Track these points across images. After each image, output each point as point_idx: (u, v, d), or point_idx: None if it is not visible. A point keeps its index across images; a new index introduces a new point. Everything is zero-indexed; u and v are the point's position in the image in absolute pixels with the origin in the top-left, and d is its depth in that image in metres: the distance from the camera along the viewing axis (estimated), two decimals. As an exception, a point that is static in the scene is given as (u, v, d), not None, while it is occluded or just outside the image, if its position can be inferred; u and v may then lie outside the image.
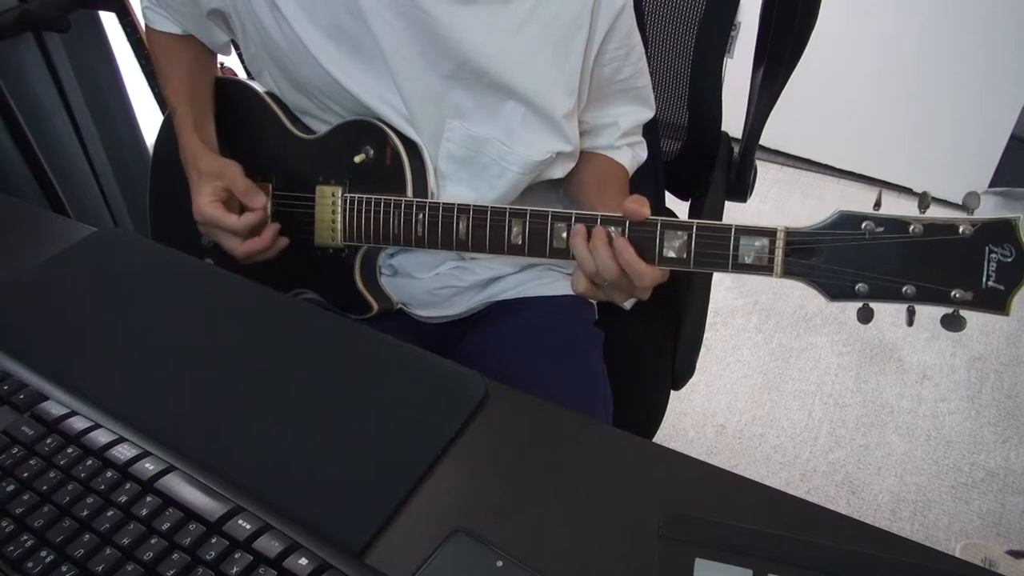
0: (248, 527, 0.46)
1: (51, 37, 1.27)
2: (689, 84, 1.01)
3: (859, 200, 2.31)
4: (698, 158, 1.05)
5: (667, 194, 1.09)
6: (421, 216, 0.74)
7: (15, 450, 0.51)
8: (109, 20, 1.37)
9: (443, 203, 0.73)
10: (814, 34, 0.86)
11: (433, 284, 0.85)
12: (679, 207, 1.11)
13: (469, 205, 0.72)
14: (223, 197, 0.78)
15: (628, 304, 0.94)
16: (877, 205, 0.57)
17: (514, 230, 0.70)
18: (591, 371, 0.83)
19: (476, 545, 0.47)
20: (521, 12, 0.71)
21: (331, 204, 0.80)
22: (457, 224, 0.73)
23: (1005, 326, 1.89)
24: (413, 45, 0.72)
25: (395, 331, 0.83)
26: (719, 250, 0.61)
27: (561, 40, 0.73)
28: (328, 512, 0.49)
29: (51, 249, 0.73)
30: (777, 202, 2.32)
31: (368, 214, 0.78)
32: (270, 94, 0.87)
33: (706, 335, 1.02)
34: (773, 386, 1.73)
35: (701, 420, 1.63)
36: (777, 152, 2.51)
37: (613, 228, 0.64)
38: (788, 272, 0.59)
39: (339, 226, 0.80)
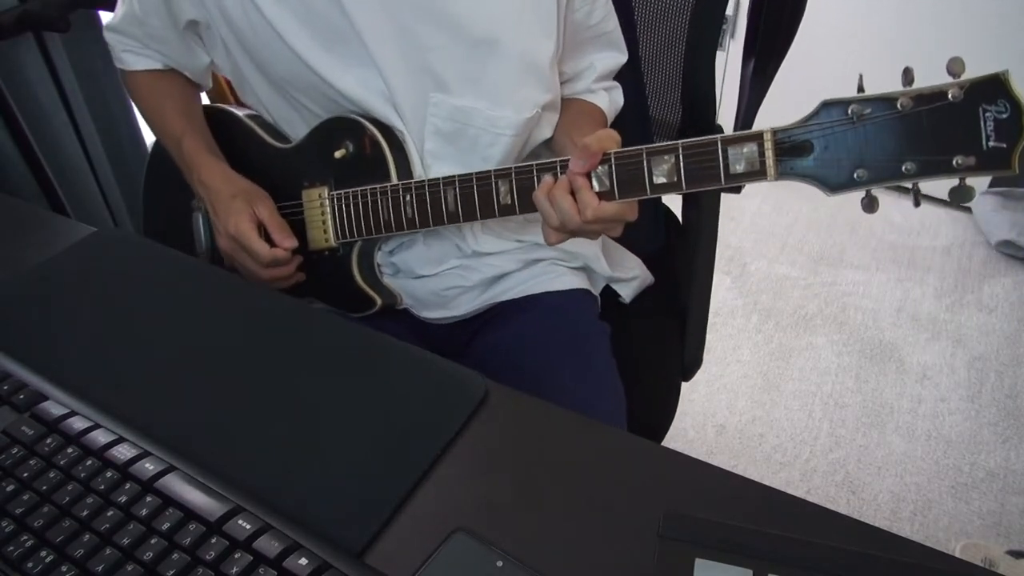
0: (248, 527, 0.46)
1: (51, 37, 1.26)
2: (682, 80, 1.01)
3: (859, 199, 2.30)
4: None
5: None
6: (408, 197, 0.74)
7: (15, 450, 0.51)
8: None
9: (428, 180, 0.73)
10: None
11: (438, 285, 0.85)
12: (675, 202, 1.11)
13: (454, 176, 0.72)
14: (256, 222, 0.78)
15: (628, 297, 0.95)
16: (860, 89, 0.55)
17: (502, 190, 0.69)
18: (602, 365, 0.83)
19: (476, 545, 0.47)
20: None
21: (319, 206, 0.80)
22: (445, 197, 0.72)
23: (1005, 326, 1.89)
24: (388, 17, 0.71)
25: (401, 333, 0.83)
26: (709, 165, 0.60)
27: None
28: (328, 512, 0.49)
29: (51, 249, 0.73)
30: (777, 202, 2.32)
31: (357, 208, 0.78)
32: (250, 116, 0.87)
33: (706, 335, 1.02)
34: (773, 386, 1.73)
35: (701, 420, 1.63)
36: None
37: (600, 168, 0.64)
38: (783, 173, 0.58)
39: (330, 225, 0.80)
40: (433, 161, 0.79)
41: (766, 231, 2.21)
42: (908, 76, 0.54)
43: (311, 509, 0.49)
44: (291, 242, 0.78)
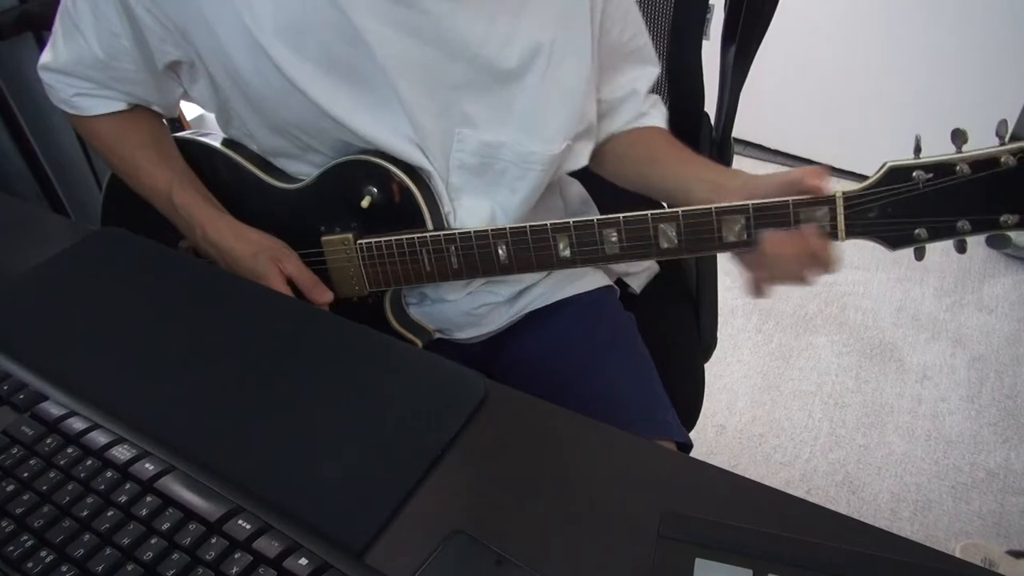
0: (248, 527, 0.46)
1: (51, 37, 1.27)
2: (667, 70, 1.00)
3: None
4: (680, 141, 1.05)
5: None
6: (453, 248, 0.71)
7: (15, 450, 0.51)
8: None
9: (475, 231, 0.70)
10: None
11: (469, 304, 0.83)
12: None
13: (505, 228, 0.69)
14: (286, 279, 0.75)
15: (639, 288, 0.96)
16: (918, 150, 0.59)
17: (560, 244, 0.68)
18: (640, 355, 0.83)
19: (476, 545, 0.47)
20: None
21: (344, 253, 0.76)
22: (496, 250, 0.70)
23: (1005, 326, 1.89)
24: (418, 57, 0.68)
25: None
26: (781, 226, 0.63)
27: (564, 12, 0.70)
28: (328, 512, 0.49)
29: (51, 249, 0.73)
30: (777, 202, 2.31)
31: (392, 257, 0.74)
32: (227, 143, 0.81)
33: (706, 335, 1.03)
34: (773, 386, 1.73)
35: (701, 420, 1.62)
36: (777, 152, 2.51)
37: (664, 224, 0.65)
38: (851, 234, 0.62)
39: (361, 274, 0.76)
40: (457, 195, 0.76)
41: (766, 231, 2.21)
42: (961, 137, 0.58)
43: (311, 509, 0.49)
44: (328, 297, 0.75)
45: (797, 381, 1.75)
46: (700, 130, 1.04)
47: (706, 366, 1.00)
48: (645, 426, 0.75)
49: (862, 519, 0.50)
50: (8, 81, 1.23)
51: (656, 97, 0.88)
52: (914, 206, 0.60)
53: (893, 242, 0.62)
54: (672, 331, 0.97)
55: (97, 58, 0.73)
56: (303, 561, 0.44)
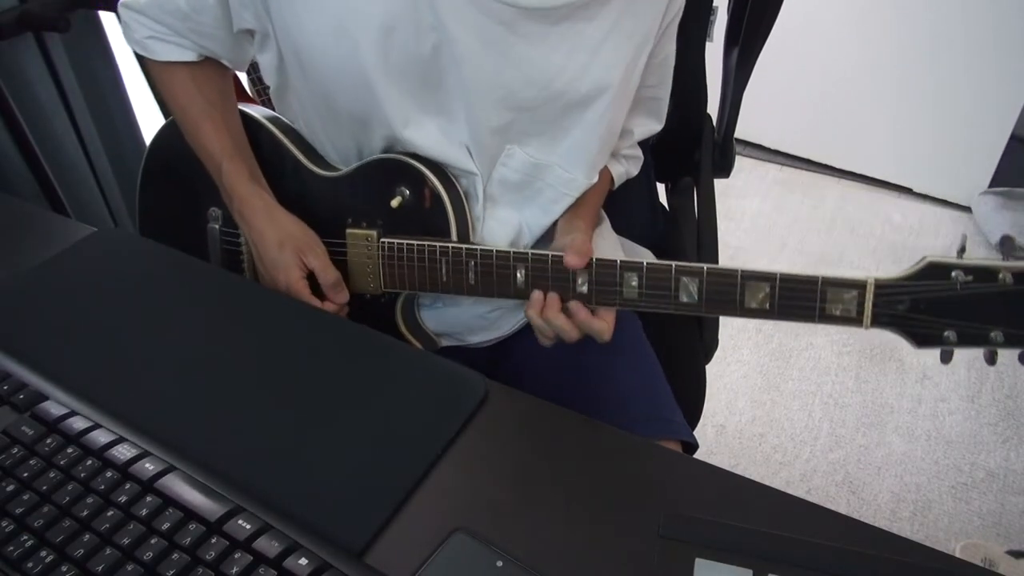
0: (248, 527, 0.46)
1: (51, 37, 1.26)
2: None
3: (859, 200, 2.31)
4: (682, 142, 1.05)
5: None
6: (472, 263, 0.71)
7: (15, 450, 0.51)
8: (109, 20, 1.37)
9: (497, 250, 0.69)
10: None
11: (482, 308, 0.82)
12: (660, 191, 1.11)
13: (526, 252, 0.68)
14: (307, 272, 0.75)
15: None
16: (962, 250, 0.57)
17: (579, 279, 0.67)
18: (646, 354, 0.84)
19: (476, 545, 0.47)
20: (602, 30, 0.68)
21: (366, 249, 0.75)
22: (514, 272, 0.70)
23: (1005, 326, 1.89)
24: (498, 77, 0.68)
25: None
26: (804, 302, 0.60)
27: (633, 58, 0.71)
28: (328, 512, 0.49)
29: (51, 249, 0.73)
30: (777, 202, 2.32)
31: (411, 261, 0.73)
32: (271, 119, 0.82)
33: (706, 335, 1.03)
34: (773, 386, 1.73)
35: (701, 420, 1.63)
36: (777, 152, 2.51)
37: (686, 278, 0.63)
38: (877, 323, 0.60)
39: (378, 273, 0.76)
40: (491, 204, 0.76)
41: (766, 231, 2.21)
42: (1007, 245, 0.56)
43: (311, 509, 0.49)
44: (344, 297, 0.75)
45: (797, 381, 1.75)
46: (703, 131, 1.04)
47: (707, 366, 1.00)
48: (653, 426, 0.75)
49: (862, 519, 0.50)
50: (8, 81, 1.22)
51: (637, 154, 0.89)
52: (948, 307, 0.57)
53: (920, 340, 0.59)
54: (674, 332, 0.97)
55: (179, 8, 0.73)
56: (303, 561, 0.44)
